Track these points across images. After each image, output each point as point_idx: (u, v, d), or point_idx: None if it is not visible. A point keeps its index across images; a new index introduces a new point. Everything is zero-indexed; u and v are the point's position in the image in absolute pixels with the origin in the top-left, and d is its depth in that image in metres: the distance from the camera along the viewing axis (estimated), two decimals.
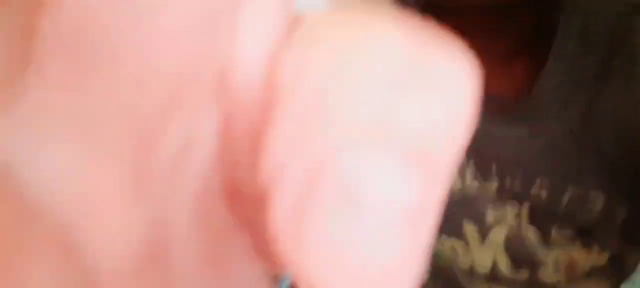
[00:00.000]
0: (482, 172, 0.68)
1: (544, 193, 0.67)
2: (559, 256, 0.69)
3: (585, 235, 0.67)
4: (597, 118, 0.63)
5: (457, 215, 0.70)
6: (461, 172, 0.69)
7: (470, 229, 0.71)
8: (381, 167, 0.08)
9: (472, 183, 0.69)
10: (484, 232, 0.70)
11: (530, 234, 0.69)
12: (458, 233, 0.71)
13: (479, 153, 0.66)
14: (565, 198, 0.66)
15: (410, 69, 0.08)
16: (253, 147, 0.09)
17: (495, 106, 0.64)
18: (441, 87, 0.08)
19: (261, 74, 0.09)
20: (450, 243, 0.71)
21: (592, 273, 0.69)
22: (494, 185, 0.68)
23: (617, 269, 0.68)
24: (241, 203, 0.10)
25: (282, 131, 0.08)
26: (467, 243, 0.71)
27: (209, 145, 0.10)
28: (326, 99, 0.08)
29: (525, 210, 0.68)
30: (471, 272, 0.71)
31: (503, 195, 0.68)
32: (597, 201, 0.65)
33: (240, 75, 0.09)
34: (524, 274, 0.71)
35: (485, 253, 0.70)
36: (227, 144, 0.10)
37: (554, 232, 0.69)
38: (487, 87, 0.64)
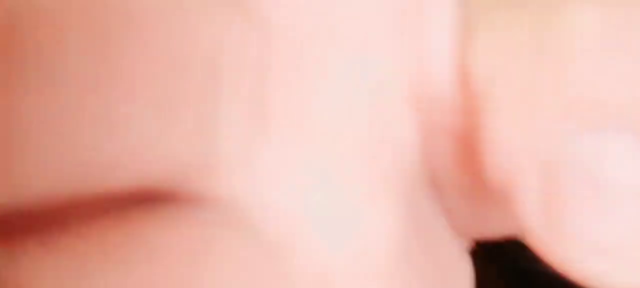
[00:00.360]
0: None
1: None
2: None
3: None
4: None
5: None
6: None
7: None
8: (623, 144, 0.08)
9: None
10: None
11: None
12: None
13: None
14: None
15: (622, 35, 0.08)
16: (456, 143, 0.10)
17: None
18: None
19: (453, 68, 0.09)
20: None
21: None
22: None
23: None
24: (441, 192, 0.10)
25: (505, 126, 0.08)
26: None
27: (414, 147, 0.10)
28: (543, 80, 0.08)
29: None
30: None
31: None
32: None
33: (435, 73, 0.09)
34: None
35: None
36: (428, 143, 0.10)
37: None
38: None
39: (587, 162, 0.08)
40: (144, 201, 0.08)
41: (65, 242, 0.07)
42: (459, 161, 0.10)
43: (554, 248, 0.08)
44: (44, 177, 0.07)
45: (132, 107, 0.07)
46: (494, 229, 0.11)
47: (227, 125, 0.08)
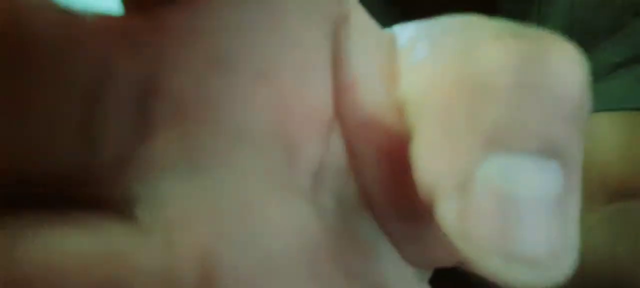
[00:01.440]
0: None
1: None
2: None
3: None
4: None
5: None
6: None
7: None
8: (524, 164, 0.09)
9: None
10: None
11: None
12: None
13: None
14: None
15: (526, 72, 0.09)
16: (382, 159, 0.11)
17: None
18: (558, 81, 0.09)
19: (377, 89, 0.11)
20: None
21: None
22: None
23: None
24: (378, 208, 0.11)
25: (427, 142, 0.10)
26: None
27: (339, 161, 0.11)
28: (460, 110, 0.09)
29: None
30: None
31: None
32: None
33: (358, 93, 0.11)
34: None
35: None
36: (355, 159, 0.11)
37: None
38: None
39: (494, 177, 0.09)
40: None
41: None
42: (396, 183, 0.11)
43: (468, 254, 0.09)
44: None
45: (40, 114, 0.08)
46: (440, 257, 0.12)
47: (110, 131, 0.09)
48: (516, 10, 0.62)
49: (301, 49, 0.10)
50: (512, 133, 0.09)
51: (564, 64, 0.09)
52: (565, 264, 0.09)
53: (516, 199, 0.09)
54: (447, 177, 0.09)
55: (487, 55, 0.09)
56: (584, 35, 0.58)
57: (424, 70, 0.10)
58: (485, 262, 0.09)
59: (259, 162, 0.10)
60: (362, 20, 0.11)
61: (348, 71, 0.11)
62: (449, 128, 0.09)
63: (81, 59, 0.09)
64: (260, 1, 0.10)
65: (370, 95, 0.11)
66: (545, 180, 0.09)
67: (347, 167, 0.11)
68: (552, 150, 0.09)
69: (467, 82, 0.09)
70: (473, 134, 0.09)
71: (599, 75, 0.57)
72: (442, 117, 0.09)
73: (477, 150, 0.09)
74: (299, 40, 0.10)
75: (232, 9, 0.10)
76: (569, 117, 0.09)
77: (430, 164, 0.09)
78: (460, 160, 0.09)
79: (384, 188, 0.11)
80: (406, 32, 0.11)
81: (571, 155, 0.09)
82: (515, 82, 0.09)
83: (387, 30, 0.12)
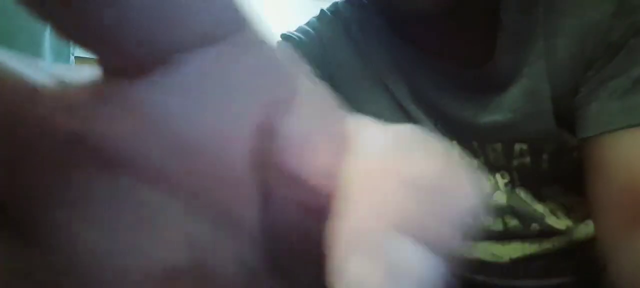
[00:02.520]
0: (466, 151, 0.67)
1: (526, 159, 0.65)
2: (553, 207, 0.69)
3: (573, 184, 0.65)
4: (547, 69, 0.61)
5: None
6: None
7: None
8: (415, 251, 0.11)
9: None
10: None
11: (523, 194, 0.69)
12: None
13: (461, 135, 0.65)
14: (545, 157, 0.64)
15: (436, 186, 0.12)
16: (297, 225, 0.12)
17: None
18: (457, 201, 0.12)
19: (309, 160, 0.12)
20: None
21: None
22: (481, 160, 0.67)
23: None
24: (286, 275, 0.13)
25: (348, 220, 0.11)
26: None
27: (253, 213, 0.12)
28: (378, 205, 0.11)
29: (515, 174, 0.67)
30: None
31: (490, 167, 0.67)
32: (574, 151, 0.63)
33: (290, 162, 0.12)
34: (534, 227, 0.70)
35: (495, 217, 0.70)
36: (270, 224, 0.12)
37: (543, 189, 0.68)
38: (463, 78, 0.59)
39: (392, 257, 0.11)
40: None
41: None
42: (307, 251, 0.12)
43: None
44: None
45: None
46: None
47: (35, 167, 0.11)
48: (520, 25, 0.60)
49: (227, 121, 0.12)
50: (415, 224, 0.11)
51: (466, 188, 0.12)
52: None
53: (397, 272, 0.10)
54: (356, 250, 0.11)
55: (417, 163, 0.12)
56: (598, 48, 0.56)
57: (364, 164, 0.12)
58: None
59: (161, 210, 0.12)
60: (308, 101, 0.13)
61: (282, 141, 0.12)
62: (367, 213, 0.11)
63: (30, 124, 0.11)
64: (203, 84, 0.11)
65: (302, 165, 0.12)
66: (424, 269, 0.11)
67: (256, 234, 0.12)
68: (439, 246, 0.11)
69: (395, 176, 0.12)
70: (388, 215, 0.11)
71: (627, 88, 0.55)
72: (366, 204, 0.11)
73: (387, 232, 0.11)
74: (228, 113, 0.12)
75: (184, 86, 0.11)
76: (458, 226, 0.12)
77: (345, 234, 0.11)
78: (371, 237, 0.11)
79: (296, 256, 0.13)
80: (367, 134, 0.13)
81: (449, 253, 0.11)
82: (429, 187, 0.12)
83: (343, 115, 0.14)
